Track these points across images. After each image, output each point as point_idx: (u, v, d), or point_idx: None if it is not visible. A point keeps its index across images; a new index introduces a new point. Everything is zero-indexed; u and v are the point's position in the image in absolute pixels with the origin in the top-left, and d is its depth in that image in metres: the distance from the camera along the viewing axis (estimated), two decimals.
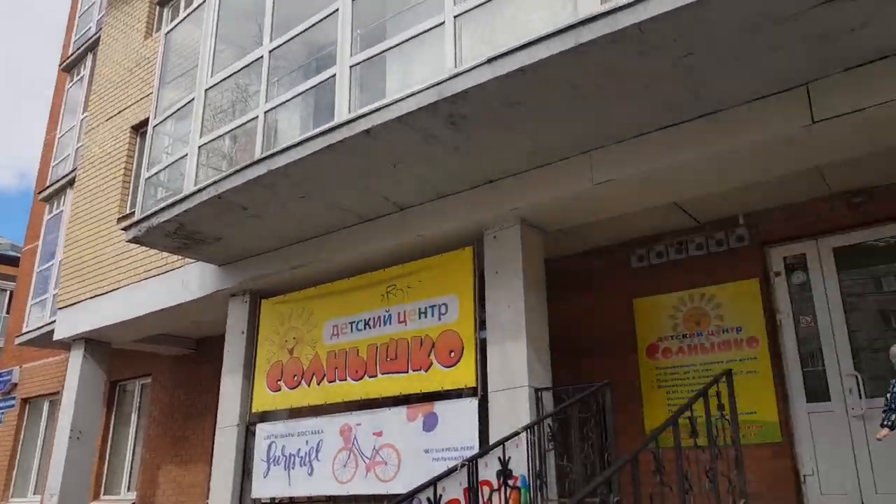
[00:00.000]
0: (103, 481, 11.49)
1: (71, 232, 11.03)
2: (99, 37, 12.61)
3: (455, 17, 5.14)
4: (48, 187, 13.70)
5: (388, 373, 6.63)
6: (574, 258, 7.23)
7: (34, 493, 12.89)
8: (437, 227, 6.30)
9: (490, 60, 4.60)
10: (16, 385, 14.13)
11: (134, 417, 11.70)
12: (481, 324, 6.06)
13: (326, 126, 5.53)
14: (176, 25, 8.14)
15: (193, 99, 7.25)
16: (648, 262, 6.94)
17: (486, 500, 4.94)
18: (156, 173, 7.75)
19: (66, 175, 13.03)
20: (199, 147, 7.05)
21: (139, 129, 10.46)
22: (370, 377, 6.76)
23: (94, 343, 10.10)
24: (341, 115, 5.59)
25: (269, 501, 7.48)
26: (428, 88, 4.91)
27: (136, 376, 11.68)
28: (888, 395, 4.74)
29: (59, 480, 9.43)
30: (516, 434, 5.08)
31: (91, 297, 9.86)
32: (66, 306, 10.29)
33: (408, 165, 5.76)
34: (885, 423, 4.66)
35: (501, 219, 6.03)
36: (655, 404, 6.53)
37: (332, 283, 7.37)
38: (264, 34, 6.63)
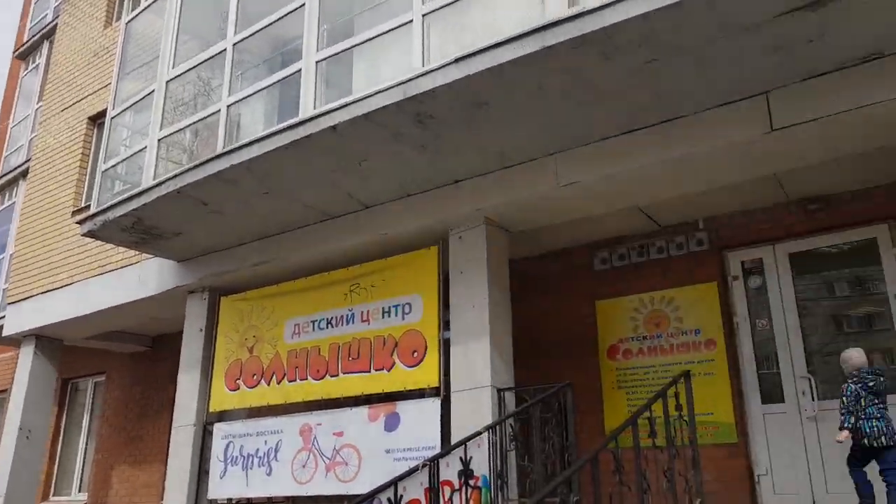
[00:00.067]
0: (53, 481, 11.18)
1: (23, 224, 10.72)
2: (56, 24, 12.29)
3: (423, 15, 5.13)
4: (0, 178, 13.30)
5: (349, 372, 6.58)
6: (537, 260, 7.27)
7: None
8: (402, 226, 6.27)
9: (457, 60, 4.61)
10: None
11: (86, 416, 11.40)
12: (445, 324, 6.06)
13: (292, 121, 5.47)
14: (137, 15, 7.96)
15: (154, 91, 7.08)
16: (611, 264, 7.01)
17: (446, 500, 4.94)
18: (113, 166, 7.56)
19: (20, 166, 12.70)
20: (159, 140, 6.90)
21: (96, 120, 10.21)
22: (332, 377, 6.70)
23: (46, 339, 9.85)
24: (306, 110, 5.53)
25: (225, 502, 7.35)
26: (395, 86, 4.89)
27: (89, 374, 11.39)
28: (843, 398, 4.87)
29: (7, 480, 9.18)
30: (478, 434, 5.09)
31: (43, 293, 9.59)
32: (16, 301, 10.00)
33: (374, 163, 5.72)
34: (846, 425, 4.79)
35: (467, 219, 6.03)
36: (616, 405, 6.61)
37: (295, 281, 7.28)
38: (228, 26, 6.51)
